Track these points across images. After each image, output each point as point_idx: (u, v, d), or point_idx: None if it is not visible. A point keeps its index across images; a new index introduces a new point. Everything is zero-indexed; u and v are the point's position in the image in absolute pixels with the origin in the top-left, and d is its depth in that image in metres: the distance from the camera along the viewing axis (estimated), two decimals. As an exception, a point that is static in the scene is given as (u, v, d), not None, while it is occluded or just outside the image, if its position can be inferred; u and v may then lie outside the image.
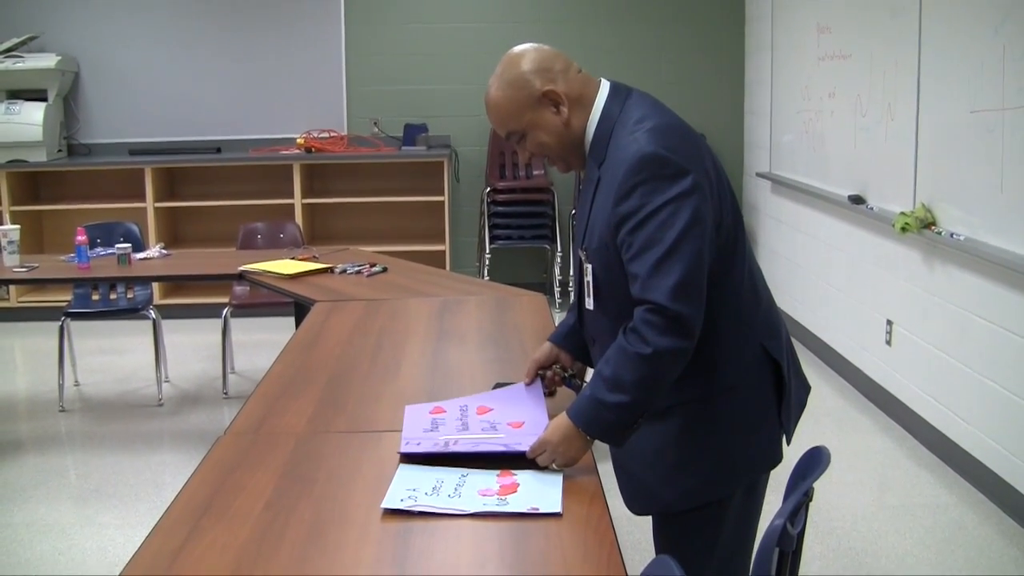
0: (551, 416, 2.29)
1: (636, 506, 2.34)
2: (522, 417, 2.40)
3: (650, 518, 2.41)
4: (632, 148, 2.10)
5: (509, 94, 2.23)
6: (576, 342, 2.49)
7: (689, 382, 2.15)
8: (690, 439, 2.22)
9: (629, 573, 1.75)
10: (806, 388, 2.42)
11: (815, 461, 2.07)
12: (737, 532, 2.30)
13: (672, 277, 2.02)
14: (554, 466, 2.15)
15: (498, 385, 2.71)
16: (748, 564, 2.34)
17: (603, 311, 2.24)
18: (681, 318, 2.03)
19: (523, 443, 2.22)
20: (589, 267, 2.24)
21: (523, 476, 2.13)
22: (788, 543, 1.84)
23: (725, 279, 2.17)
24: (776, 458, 2.30)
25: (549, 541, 1.86)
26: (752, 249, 2.32)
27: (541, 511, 1.98)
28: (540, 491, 2.06)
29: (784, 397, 2.28)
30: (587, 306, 2.29)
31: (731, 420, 2.21)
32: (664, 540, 2.36)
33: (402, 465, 2.18)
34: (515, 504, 2.00)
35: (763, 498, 2.36)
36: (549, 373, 2.53)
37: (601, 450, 2.37)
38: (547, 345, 2.55)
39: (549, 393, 2.53)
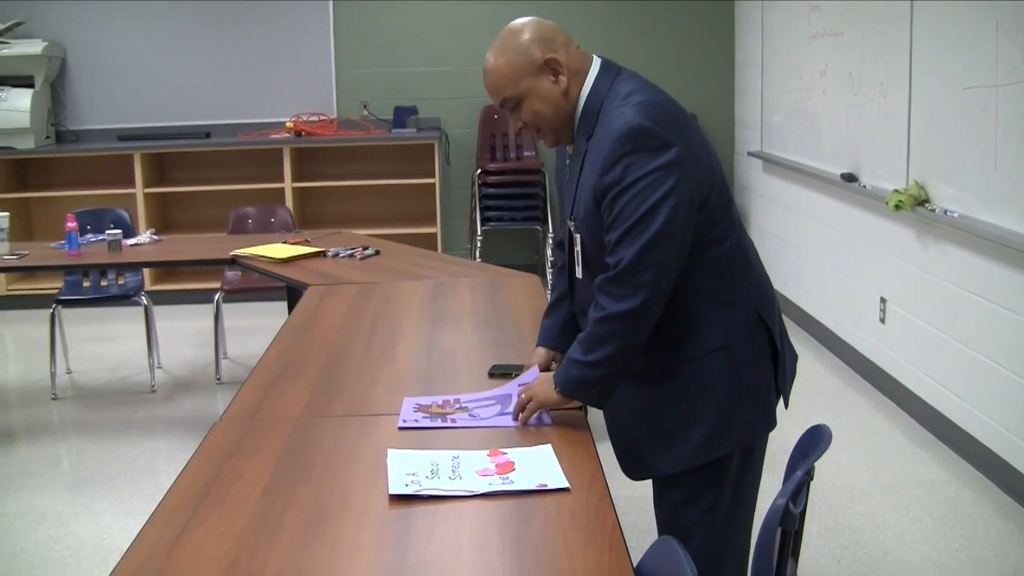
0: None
1: (633, 471, 2.37)
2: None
3: (651, 494, 2.41)
4: (619, 121, 2.15)
5: (510, 58, 2.24)
6: (567, 339, 2.52)
7: (678, 343, 2.21)
8: (684, 400, 2.26)
9: (631, 554, 1.74)
10: (795, 356, 2.46)
11: (816, 440, 2.07)
12: (736, 497, 2.32)
13: (640, 241, 2.09)
14: (529, 410, 2.30)
15: (495, 368, 2.71)
16: (749, 533, 2.35)
17: (592, 279, 2.28)
18: (640, 280, 2.10)
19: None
20: (578, 237, 2.30)
21: (515, 454, 2.13)
22: (791, 522, 1.83)
23: (714, 246, 2.23)
24: (771, 422, 2.33)
25: (550, 523, 1.85)
26: (744, 226, 2.35)
27: (550, 487, 1.97)
28: (537, 467, 2.05)
29: (779, 361, 2.32)
30: (577, 275, 2.35)
31: (724, 380, 2.25)
32: (664, 508, 2.37)
33: (391, 450, 2.16)
34: (521, 482, 1.99)
35: (761, 465, 2.37)
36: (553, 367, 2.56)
37: (599, 430, 2.37)
38: (541, 350, 2.59)
39: None
